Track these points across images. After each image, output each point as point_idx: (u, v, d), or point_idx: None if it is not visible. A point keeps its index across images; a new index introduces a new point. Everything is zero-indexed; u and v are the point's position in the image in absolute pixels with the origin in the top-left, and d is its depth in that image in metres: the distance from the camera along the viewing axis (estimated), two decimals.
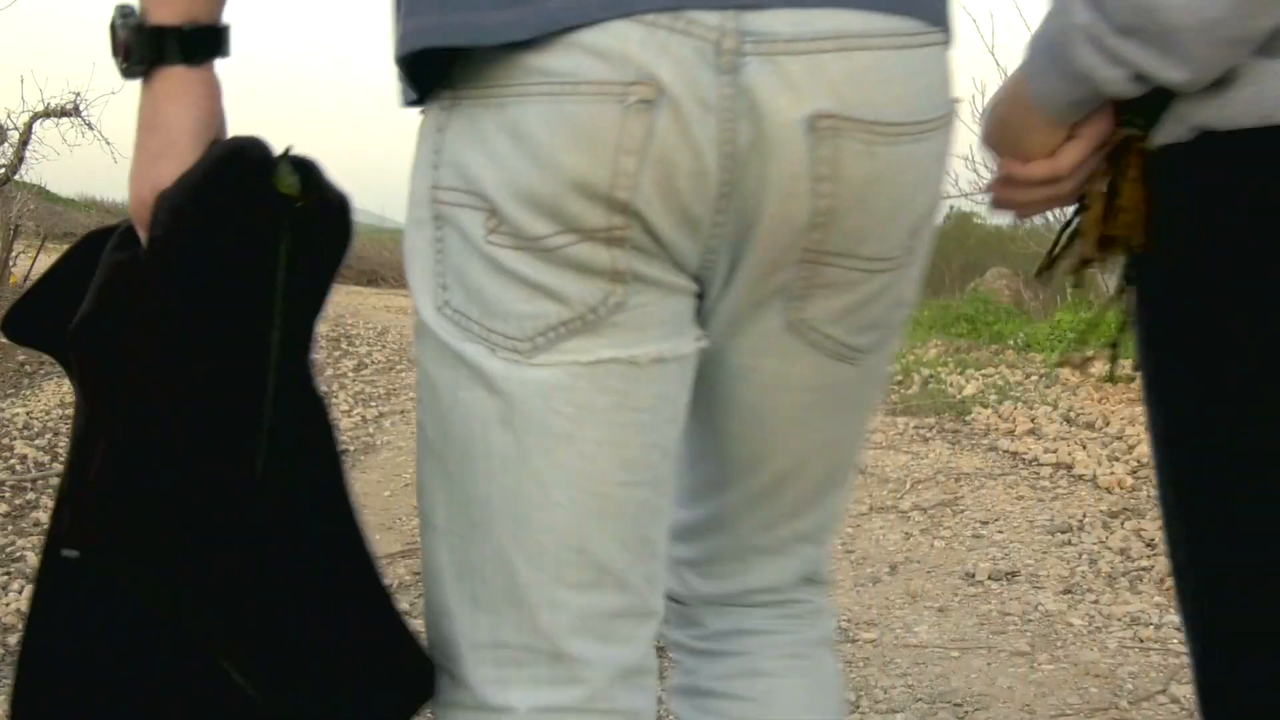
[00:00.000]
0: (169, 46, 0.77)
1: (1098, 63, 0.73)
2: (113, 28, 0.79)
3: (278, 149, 0.79)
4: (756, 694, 0.96)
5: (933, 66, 0.76)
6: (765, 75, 0.69)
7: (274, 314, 0.77)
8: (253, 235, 0.76)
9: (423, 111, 0.79)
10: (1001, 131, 0.84)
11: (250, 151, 0.78)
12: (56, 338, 0.82)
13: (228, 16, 0.83)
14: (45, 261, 11.53)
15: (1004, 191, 0.86)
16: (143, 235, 0.77)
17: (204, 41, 0.79)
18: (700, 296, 0.79)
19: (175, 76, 0.78)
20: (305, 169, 0.80)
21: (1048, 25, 0.77)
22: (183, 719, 0.80)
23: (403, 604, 2.83)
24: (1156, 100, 0.77)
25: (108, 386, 0.79)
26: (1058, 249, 0.88)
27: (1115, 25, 0.71)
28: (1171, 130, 0.77)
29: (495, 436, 0.76)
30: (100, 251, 0.81)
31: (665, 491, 0.82)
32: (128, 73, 0.79)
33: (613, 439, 0.76)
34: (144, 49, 0.78)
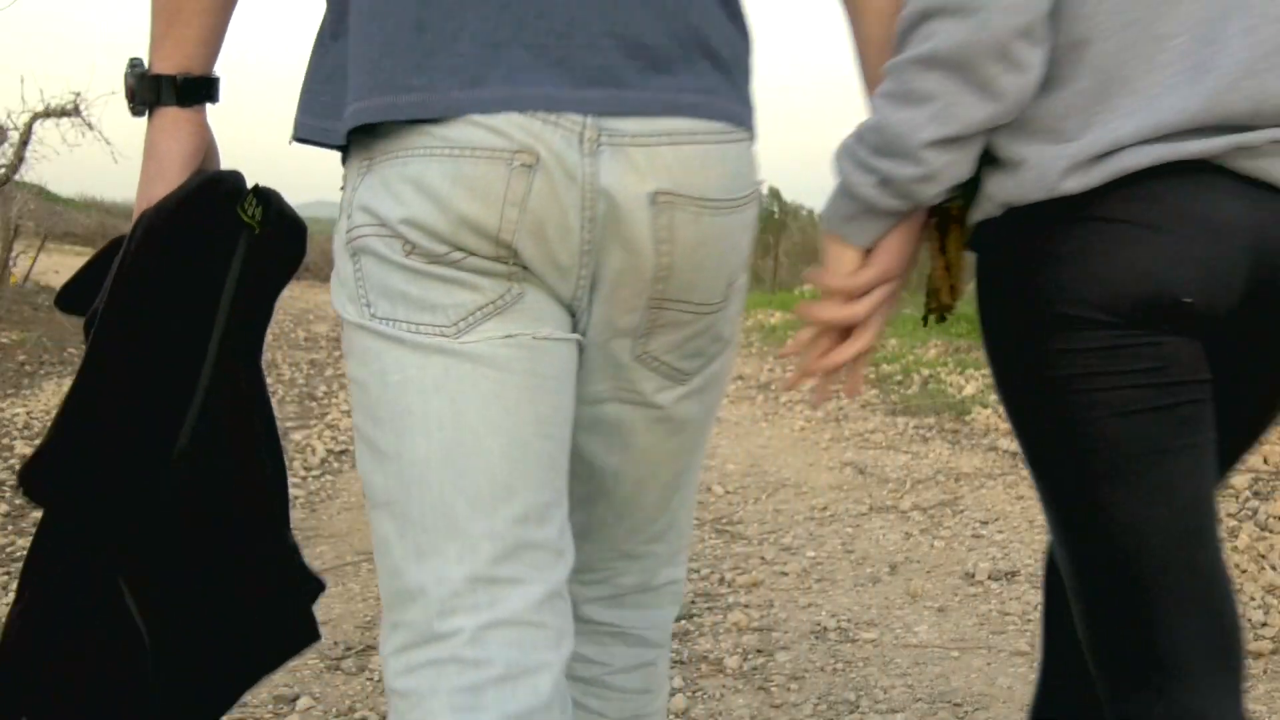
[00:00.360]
0: (165, 91, 0.97)
1: (852, 172, 0.99)
2: (125, 75, 0.99)
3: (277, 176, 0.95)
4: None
5: (741, 157, 0.98)
6: (616, 160, 0.91)
7: (217, 320, 0.93)
8: (211, 253, 0.92)
9: (342, 187, 0.97)
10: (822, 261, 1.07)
11: (224, 184, 0.94)
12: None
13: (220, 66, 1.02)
14: (45, 261, 11.54)
15: (810, 311, 1.06)
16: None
17: (195, 88, 0.99)
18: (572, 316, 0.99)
19: (170, 115, 0.98)
20: (268, 200, 0.97)
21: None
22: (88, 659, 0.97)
23: None
24: (970, 184, 1.01)
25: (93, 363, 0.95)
26: (928, 303, 1.12)
27: (869, 145, 0.98)
28: (985, 209, 1.01)
29: (431, 401, 0.92)
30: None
31: (566, 453, 0.99)
32: (133, 111, 0.99)
33: (529, 398, 0.94)
34: (145, 92, 0.98)
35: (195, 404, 0.93)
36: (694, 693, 2.27)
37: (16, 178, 9.59)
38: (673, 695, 2.24)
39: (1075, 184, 0.93)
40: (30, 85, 35.72)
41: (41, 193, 13.98)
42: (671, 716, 2.16)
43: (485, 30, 0.89)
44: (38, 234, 11.61)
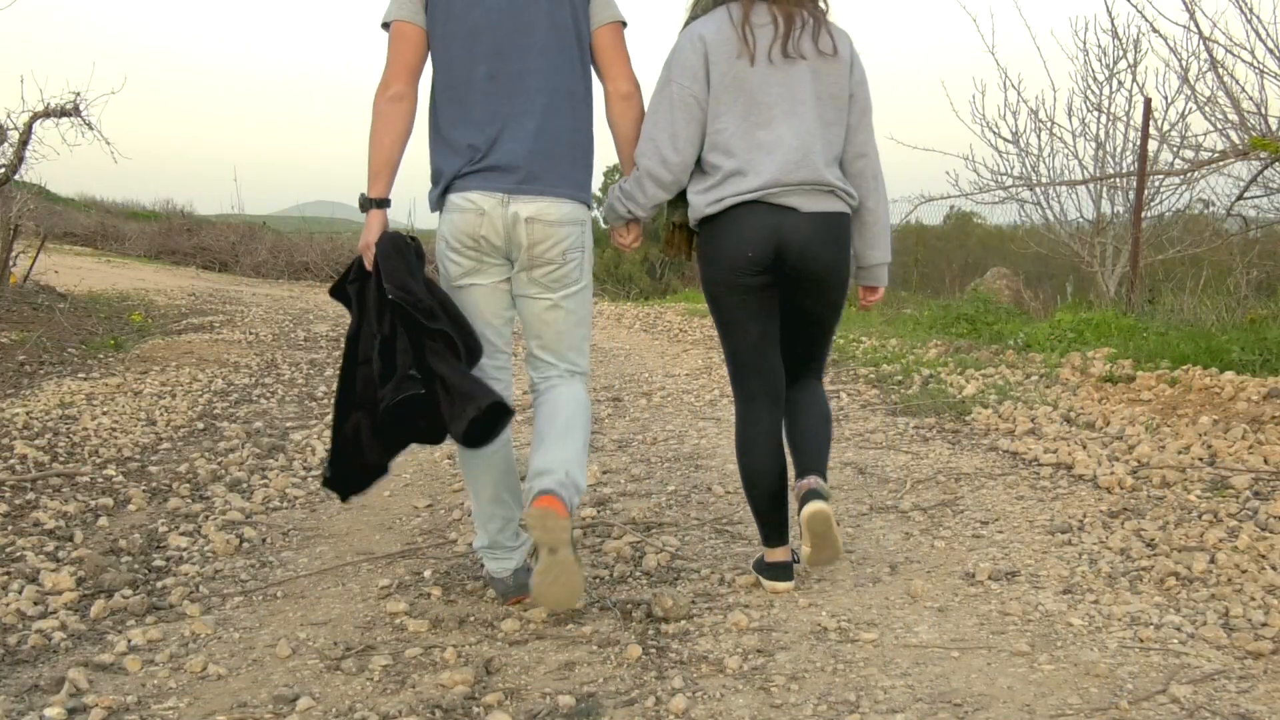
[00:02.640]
0: (375, 205, 2.78)
1: (620, 205, 2.95)
2: (360, 198, 2.83)
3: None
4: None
5: (571, 207, 2.78)
6: (515, 205, 2.73)
7: (416, 271, 2.73)
8: (405, 257, 2.72)
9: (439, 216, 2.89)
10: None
11: (401, 234, 2.77)
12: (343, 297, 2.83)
13: None
14: (45, 261, 11.51)
15: (621, 246, 3.14)
16: (367, 257, 2.74)
17: (385, 203, 2.80)
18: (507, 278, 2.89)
19: (376, 213, 2.78)
20: (415, 239, 2.79)
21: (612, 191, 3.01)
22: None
23: (402, 604, 2.84)
24: (683, 210, 2.97)
25: (358, 305, 2.78)
26: (669, 248, 3.07)
27: (627, 196, 2.92)
28: (694, 219, 2.90)
29: (458, 297, 2.84)
30: (356, 266, 2.82)
31: (508, 332, 2.94)
32: (362, 209, 2.83)
33: (490, 299, 2.87)
34: (368, 205, 2.79)
35: (421, 285, 2.69)
36: (694, 693, 2.27)
37: (16, 178, 9.57)
38: (673, 695, 2.24)
39: (710, 210, 2.79)
40: (30, 85, 35.69)
41: (41, 192, 13.96)
42: (671, 717, 2.16)
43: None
44: (38, 234, 11.60)
